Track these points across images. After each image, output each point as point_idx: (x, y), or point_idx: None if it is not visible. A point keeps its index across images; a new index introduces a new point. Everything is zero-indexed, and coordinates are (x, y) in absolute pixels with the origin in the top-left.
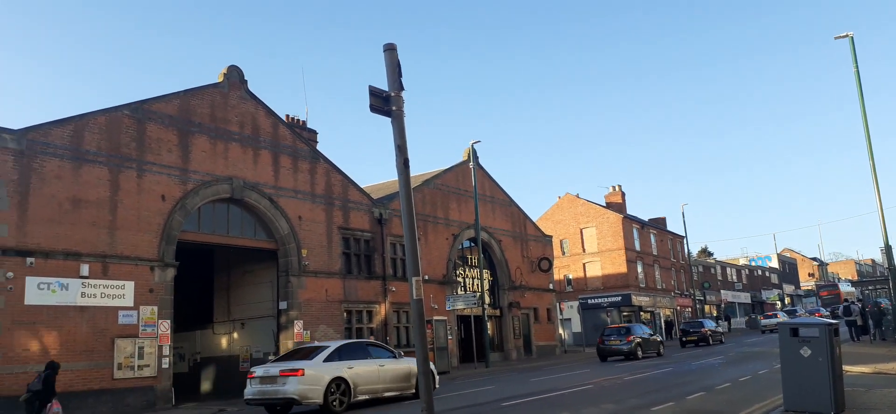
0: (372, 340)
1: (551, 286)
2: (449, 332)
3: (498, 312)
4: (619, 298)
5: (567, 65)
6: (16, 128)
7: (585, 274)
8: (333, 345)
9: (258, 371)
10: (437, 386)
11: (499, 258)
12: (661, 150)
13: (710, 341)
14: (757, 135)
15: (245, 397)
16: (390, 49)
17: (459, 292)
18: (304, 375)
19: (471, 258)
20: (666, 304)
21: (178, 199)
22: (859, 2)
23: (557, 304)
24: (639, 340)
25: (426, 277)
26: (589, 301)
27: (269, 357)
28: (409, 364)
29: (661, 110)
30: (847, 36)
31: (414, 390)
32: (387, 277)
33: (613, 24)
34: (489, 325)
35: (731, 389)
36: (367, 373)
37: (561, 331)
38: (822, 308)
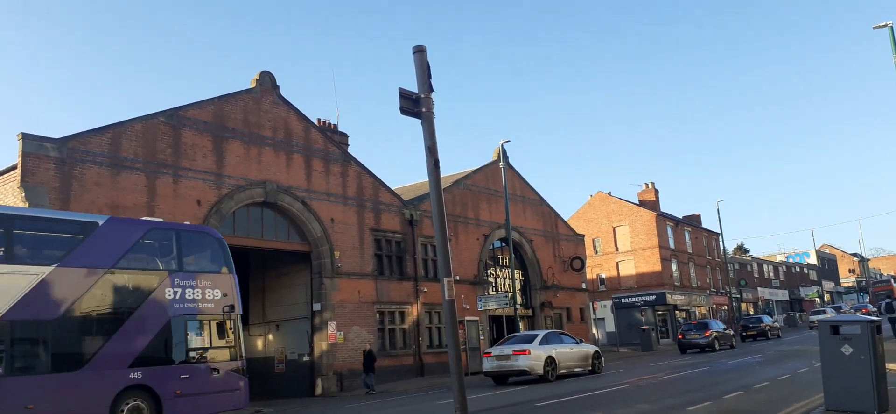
0: (564, 330)
1: (584, 286)
2: (481, 332)
3: (530, 312)
4: (654, 296)
5: (598, 62)
6: (57, 136)
7: (619, 273)
8: (541, 333)
9: (494, 351)
10: (602, 369)
11: (530, 258)
12: (694, 147)
13: (769, 335)
14: (793, 129)
15: (484, 370)
16: (420, 51)
17: (491, 293)
18: (530, 354)
19: (502, 258)
20: (701, 302)
21: (213, 204)
22: None
23: (591, 303)
24: (716, 334)
25: (457, 278)
26: (623, 300)
27: (304, 357)
28: (588, 349)
29: (695, 105)
30: (886, 25)
31: (591, 368)
32: (418, 277)
33: (646, 20)
34: (521, 325)
35: (770, 387)
36: (565, 353)
37: (594, 330)
38: (869, 305)
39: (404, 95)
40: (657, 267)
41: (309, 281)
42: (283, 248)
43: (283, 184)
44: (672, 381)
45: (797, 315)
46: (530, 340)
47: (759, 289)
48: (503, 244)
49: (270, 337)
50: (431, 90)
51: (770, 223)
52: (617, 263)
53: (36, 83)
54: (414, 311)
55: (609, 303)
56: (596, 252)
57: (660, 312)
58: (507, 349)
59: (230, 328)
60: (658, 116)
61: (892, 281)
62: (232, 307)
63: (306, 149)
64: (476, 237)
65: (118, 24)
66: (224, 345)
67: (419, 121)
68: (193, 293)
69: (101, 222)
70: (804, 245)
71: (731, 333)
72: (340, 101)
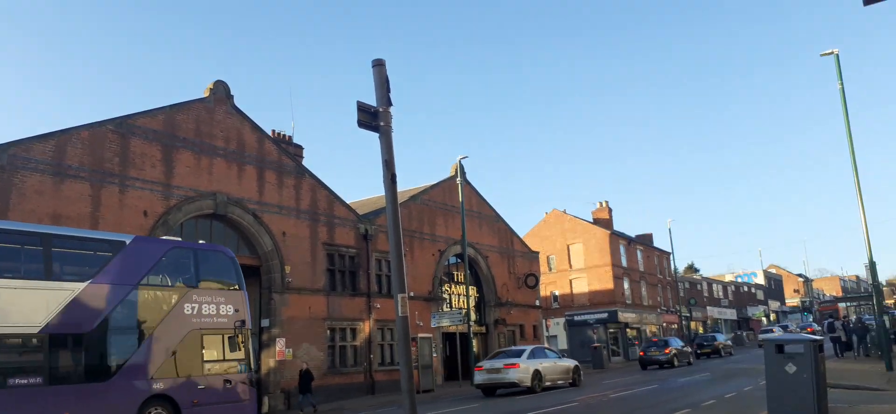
0: (546, 346)
1: (538, 303)
2: (434, 349)
3: (484, 329)
4: (606, 314)
5: (554, 80)
6: None
7: (572, 290)
8: (528, 348)
9: (486, 365)
10: (581, 382)
11: (485, 274)
12: (648, 166)
13: (722, 353)
14: (743, 151)
15: (475, 382)
16: (379, 64)
17: (445, 309)
18: (520, 367)
19: (457, 274)
20: (652, 320)
21: (161, 215)
22: (845, 17)
23: (544, 320)
24: (675, 351)
25: (411, 294)
26: (575, 318)
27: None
28: (569, 363)
29: (649, 126)
30: (832, 53)
31: (572, 380)
32: (372, 293)
33: (600, 40)
34: (475, 342)
35: (717, 405)
36: (549, 367)
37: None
38: (813, 323)
39: (362, 109)
40: (610, 285)
41: (257, 296)
42: None
43: (234, 196)
44: (622, 398)
45: (744, 334)
46: (519, 354)
47: (708, 308)
48: (459, 260)
49: None
50: (390, 104)
51: (720, 244)
52: (570, 281)
53: None
54: (366, 327)
55: (562, 320)
56: (550, 269)
57: (611, 330)
58: (498, 363)
59: (241, 342)
60: (614, 136)
61: (838, 304)
62: (243, 322)
63: (259, 160)
64: (431, 253)
65: (68, 36)
66: (236, 358)
67: (376, 135)
68: (209, 309)
69: (128, 241)
70: (752, 265)
71: (689, 350)
72: (296, 114)
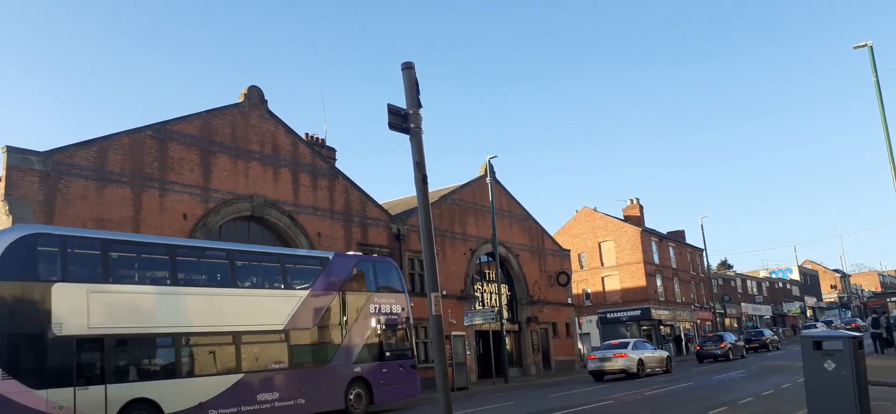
0: (643, 339)
1: (570, 301)
2: (467, 347)
3: (516, 327)
4: (639, 311)
5: (584, 78)
6: (42, 150)
7: (604, 288)
8: (631, 341)
9: (598, 354)
10: (672, 369)
11: (517, 273)
12: (679, 163)
13: (769, 347)
14: (776, 146)
15: (589, 369)
16: (408, 67)
17: (477, 307)
18: (627, 356)
19: (488, 273)
20: (685, 317)
21: (200, 218)
22: (880, 8)
23: (576, 318)
24: (730, 345)
25: (444, 293)
26: (608, 315)
27: None
28: (662, 353)
29: (680, 123)
30: (866, 45)
31: (665, 368)
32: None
33: (633, 39)
34: (507, 340)
35: (754, 402)
36: (649, 356)
37: (580, 345)
38: (858, 319)
39: (393, 111)
40: (642, 282)
41: None
42: None
43: (271, 198)
44: (658, 396)
45: (781, 330)
46: (625, 346)
47: (742, 304)
48: (490, 259)
49: None
50: (420, 106)
51: (753, 239)
52: (602, 278)
53: (21, 97)
54: None
55: (594, 318)
56: (581, 267)
57: (644, 327)
58: (608, 353)
59: (408, 334)
60: (644, 132)
61: (887, 297)
62: (408, 318)
63: (294, 163)
64: (463, 252)
65: (105, 41)
66: (405, 347)
67: (407, 136)
68: (385, 308)
69: (330, 257)
70: (787, 261)
71: (742, 344)
72: (329, 115)
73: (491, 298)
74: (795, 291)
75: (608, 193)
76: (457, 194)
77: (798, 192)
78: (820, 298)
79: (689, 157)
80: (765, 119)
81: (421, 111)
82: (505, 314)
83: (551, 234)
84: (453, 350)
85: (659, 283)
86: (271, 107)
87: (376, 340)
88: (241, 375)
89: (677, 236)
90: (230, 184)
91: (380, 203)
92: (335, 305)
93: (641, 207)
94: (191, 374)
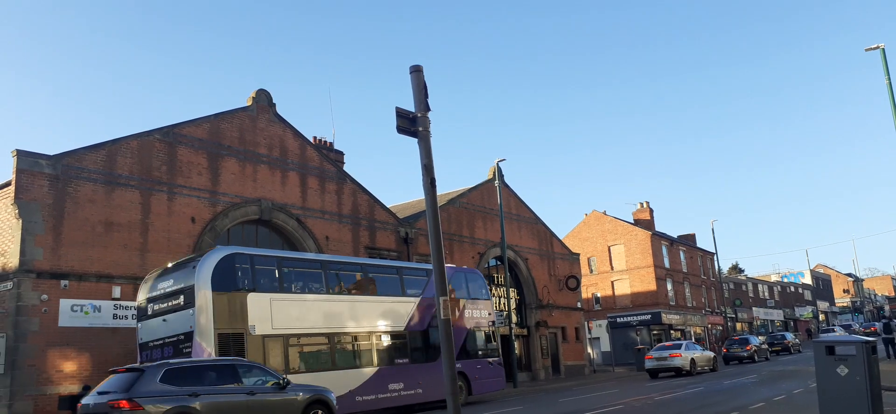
0: (692, 341)
1: (579, 305)
2: None
3: (525, 331)
4: (649, 316)
5: (593, 80)
6: (51, 153)
7: (614, 292)
8: (683, 342)
9: (654, 354)
10: (718, 368)
11: (525, 277)
12: (689, 166)
13: (791, 350)
14: (788, 150)
15: (646, 367)
16: (417, 70)
17: None
18: (681, 356)
19: (497, 277)
20: (697, 322)
21: (208, 222)
22: (893, 10)
23: (585, 322)
24: (755, 347)
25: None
26: (618, 319)
27: None
28: (709, 354)
29: (690, 125)
30: (878, 48)
31: (712, 366)
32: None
33: (643, 43)
34: (516, 344)
35: (766, 408)
36: (699, 356)
37: (589, 350)
38: (876, 323)
39: (401, 115)
40: (652, 286)
41: None
42: None
43: (278, 202)
44: (665, 402)
45: (794, 335)
46: (678, 347)
47: (754, 309)
48: (498, 263)
49: None
50: (428, 109)
51: (764, 243)
52: (612, 282)
53: (28, 102)
54: None
55: (604, 322)
56: (591, 271)
57: (655, 332)
58: (664, 353)
59: (494, 335)
60: (654, 137)
61: None
62: (494, 322)
63: (302, 167)
64: (471, 255)
65: (114, 46)
66: (492, 347)
67: (415, 140)
68: (476, 313)
69: (430, 269)
70: (799, 265)
71: (766, 347)
72: (337, 119)
73: (499, 302)
74: (808, 295)
75: (618, 197)
76: (465, 197)
77: (810, 196)
78: (832, 303)
79: (699, 161)
80: (776, 122)
81: (429, 114)
82: (514, 318)
83: (560, 237)
84: None
85: (669, 287)
86: (279, 110)
87: (471, 340)
88: (377, 368)
89: (688, 240)
90: (238, 187)
91: (387, 206)
92: (434, 311)
93: (651, 211)
94: (342, 366)
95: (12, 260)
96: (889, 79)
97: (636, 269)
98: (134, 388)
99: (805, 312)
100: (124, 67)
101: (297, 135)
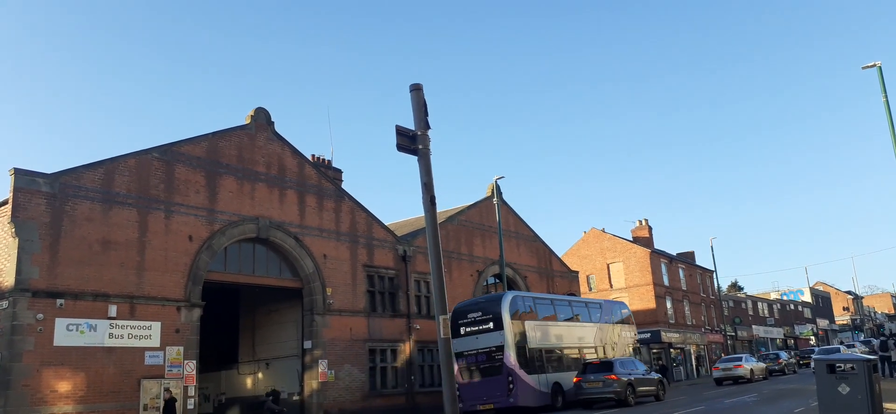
0: (750, 353)
1: None
2: None
3: None
4: (649, 334)
5: (592, 99)
6: (49, 172)
7: None
8: (743, 355)
9: (721, 366)
10: (768, 378)
11: None
12: (688, 183)
13: (785, 371)
14: (786, 167)
15: (714, 377)
16: (416, 89)
17: None
18: (743, 367)
19: None
20: (696, 340)
21: (205, 240)
22: (888, 29)
23: None
24: (784, 361)
25: (451, 315)
26: None
27: (294, 397)
28: (763, 364)
29: (689, 143)
30: (875, 65)
31: (765, 376)
32: (411, 314)
33: (639, 59)
34: None
35: None
36: (756, 367)
37: None
38: (873, 339)
39: (401, 133)
40: (652, 304)
41: (300, 318)
42: (274, 284)
43: (276, 219)
44: None
45: (793, 353)
46: (740, 359)
47: (753, 326)
48: (497, 280)
49: (260, 375)
50: (428, 127)
51: (764, 261)
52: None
53: (26, 119)
54: (407, 349)
55: None
56: (590, 289)
57: (654, 350)
58: (729, 364)
59: (639, 350)
60: (653, 154)
61: None
62: (639, 342)
63: (300, 184)
64: (469, 273)
65: (112, 63)
66: (641, 360)
67: (415, 158)
68: (626, 335)
69: (602, 303)
70: (798, 282)
71: (794, 360)
72: (335, 136)
73: None
74: (807, 313)
75: (617, 214)
76: (463, 215)
77: (809, 213)
78: (832, 321)
79: (698, 179)
80: (774, 140)
81: (429, 132)
82: None
83: (559, 255)
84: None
85: (669, 305)
86: (278, 128)
87: (627, 354)
88: (583, 369)
89: (687, 258)
90: (236, 205)
91: (386, 224)
92: (612, 332)
93: (650, 228)
94: (566, 370)
95: (8, 279)
96: (886, 96)
97: (635, 286)
98: (612, 369)
99: (805, 330)
100: (122, 85)
101: (296, 153)
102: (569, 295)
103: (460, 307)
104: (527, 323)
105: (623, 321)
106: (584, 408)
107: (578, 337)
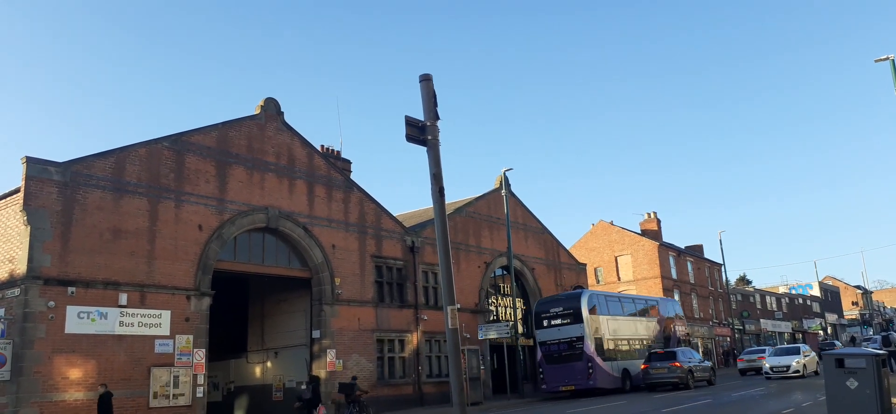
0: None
1: None
2: (481, 362)
3: (531, 342)
4: None
5: (602, 94)
6: (60, 160)
7: None
8: (792, 347)
9: (745, 357)
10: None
11: (532, 286)
12: (697, 176)
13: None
14: (795, 160)
15: (763, 372)
16: (426, 79)
17: (492, 321)
18: (764, 360)
19: (503, 286)
20: (704, 333)
21: (215, 229)
22: None
23: None
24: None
25: (458, 306)
26: None
27: (302, 386)
28: (815, 357)
29: (698, 135)
30: (887, 59)
31: (815, 369)
32: (419, 305)
33: (650, 52)
34: (522, 354)
35: None
36: (809, 361)
37: None
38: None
39: (410, 123)
40: (660, 297)
41: (308, 308)
42: (283, 274)
43: (285, 210)
44: (681, 411)
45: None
46: (793, 352)
47: (761, 320)
48: (505, 272)
49: (269, 364)
50: (437, 118)
51: (773, 255)
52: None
53: (38, 108)
54: (414, 339)
55: None
56: (598, 281)
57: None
58: (754, 355)
59: (690, 341)
60: (662, 146)
61: None
62: (689, 335)
63: (309, 175)
64: (477, 265)
65: (124, 53)
66: (692, 348)
67: (423, 148)
68: (680, 328)
69: (657, 301)
70: (807, 277)
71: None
72: (344, 127)
73: (506, 312)
74: (816, 307)
75: (625, 207)
76: (472, 207)
77: (818, 206)
78: (841, 315)
79: (706, 171)
80: (784, 133)
81: (439, 123)
82: (520, 328)
83: (567, 247)
84: (468, 364)
85: (677, 298)
86: (287, 119)
87: (680, 346)
88: (648, 358)
89: (695, 251)
90: (245, 195)
91: (394, 215)
92: (664, 325)
93: (659, 221)
94: (632, 358)
95: (20, 267)
96: None
97: (643, 279)
98: (676, 358)
99: (813, 325)
100: (132, 76)
101: (305, 143)
102: (619, 293)
103: (543, 302)
104: (601, 317)
105: (676, 317)
106: (650, 390)
107: (642, 329)
